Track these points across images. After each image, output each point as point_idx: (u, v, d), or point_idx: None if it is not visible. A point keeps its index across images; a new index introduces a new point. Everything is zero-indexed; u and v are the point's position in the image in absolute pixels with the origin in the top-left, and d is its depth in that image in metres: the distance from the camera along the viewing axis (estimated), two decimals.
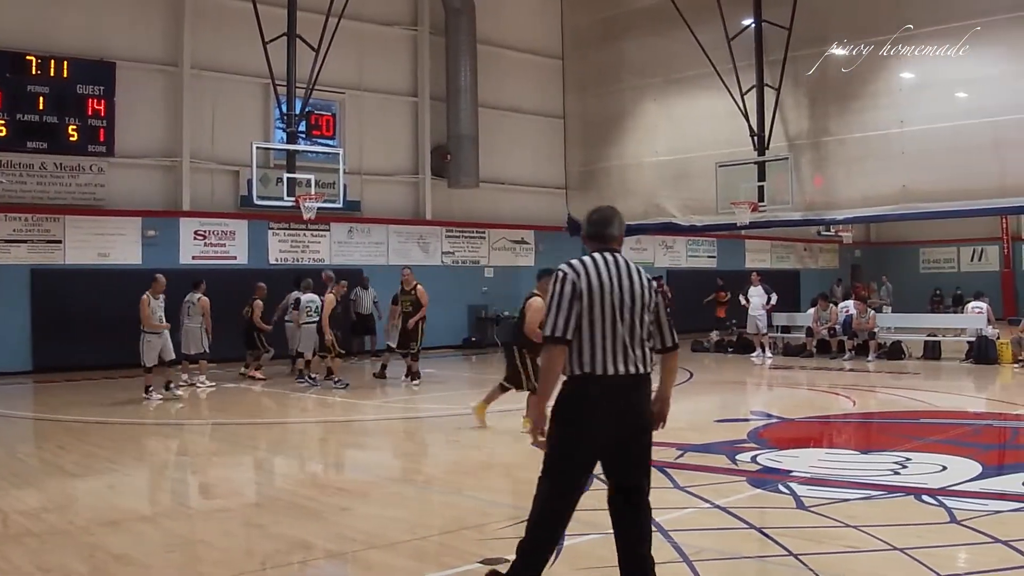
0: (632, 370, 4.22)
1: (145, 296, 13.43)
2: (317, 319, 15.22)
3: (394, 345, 15.60)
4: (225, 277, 18.13)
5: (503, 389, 10.34)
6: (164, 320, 13.50)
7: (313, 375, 15.20)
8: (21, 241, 17.47)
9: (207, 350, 14.66)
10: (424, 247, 22.97)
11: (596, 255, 4.35)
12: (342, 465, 9.29)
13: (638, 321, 4.27)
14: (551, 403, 4.32)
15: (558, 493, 4.33)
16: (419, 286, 14.90)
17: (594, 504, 6.62)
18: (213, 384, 14.93)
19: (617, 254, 4.38)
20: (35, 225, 17.63)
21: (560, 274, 4.26)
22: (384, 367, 16.01)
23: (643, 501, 4.38)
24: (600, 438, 4.23)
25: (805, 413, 11.91)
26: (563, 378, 4.33)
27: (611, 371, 4.18)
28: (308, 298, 15.62)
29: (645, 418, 4.33)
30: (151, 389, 13.24)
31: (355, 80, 21.91)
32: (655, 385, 4.49)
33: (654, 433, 4.44)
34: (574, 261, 4.29)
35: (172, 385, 13.66)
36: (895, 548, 5.35)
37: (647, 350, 4.32)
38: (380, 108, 22.50)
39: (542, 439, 4.30)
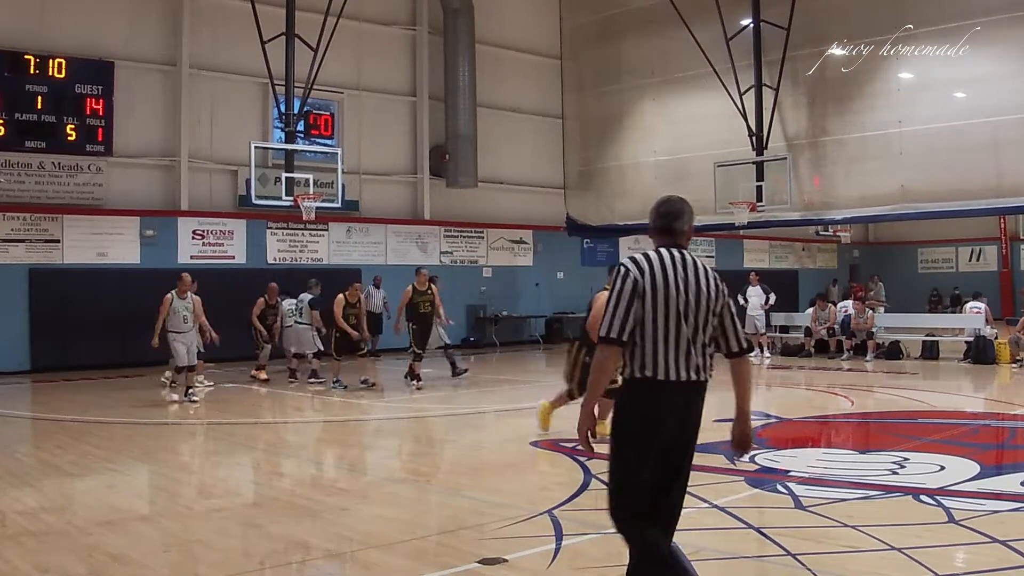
0: (693, 376, 3.87)
1: (168, 295, 13.12)
2: (304, 321, 15.44)
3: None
4: (223, 277, 18.14)
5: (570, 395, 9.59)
6: (188, 321, 13.10)
7: (326, 377, 15.18)
8: (19, 240, 17.47)
9: (202, 349, 14.62)
10: (422, 247, 22.97)
11: (663, 251, 3.99)
12: (340, 465, 9.27)
13: (702, 325, 3.92)
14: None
15: (638, 509, 3.89)
16: (433, 286, 14.87)
17: (592, 504, 6.64)
18: (211, 384, 14.92)
19: (684, 251, 4.03)
20: (33, 224, 17.62)
21: (622, 270, 3.91)
22: (455, 364, 16.01)
23: (673, 526, 4.06)
24: (659, 445, 3.88)
25: (803, 413, 11.92)
26: (619, 379, 4.03)
27: (672, 376, 3.83)
28: (300, 297, 15.67)
29: (697, 431, 3.97)
30: (190, 390, 13.17)
31: (354, 80, 21.92)
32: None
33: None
34: (638, 256, 3.94)
35: (190, 390, 13.25)
36: (893, 548, 5.34)
37: (708, 356, 3.96)
38: (379, 108, 22.51)
39: (594, 440, 3.96)
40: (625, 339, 3.82)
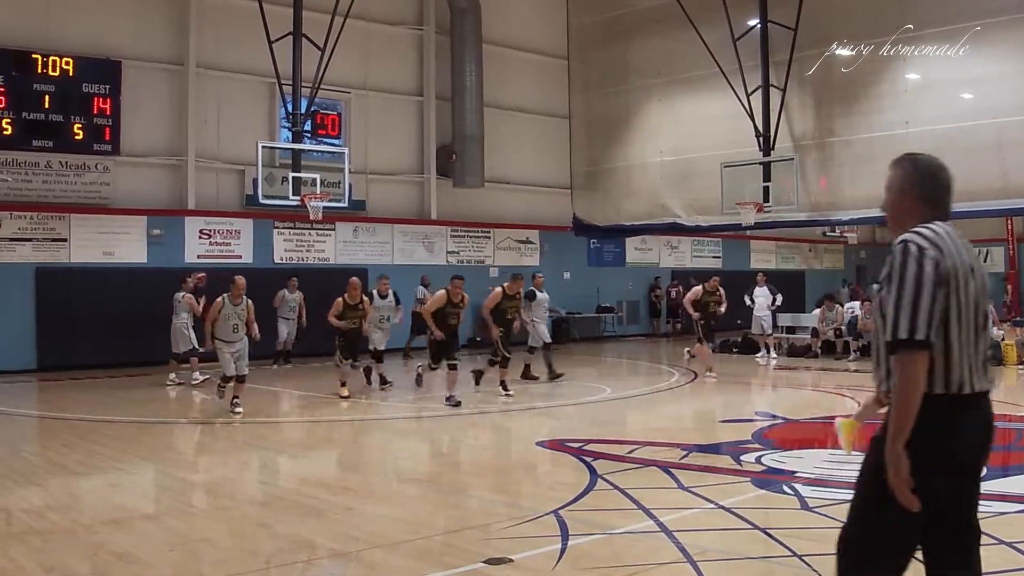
0: (990, 386, 3.07)
1: (219, 299, 11.99)
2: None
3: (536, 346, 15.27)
4: (229, 276, 18.14)
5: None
6: (239, 329, 11.83)
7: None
8: (26, 239, 17.49)
9: (196, 347, 14.57)
10: (429, 247, 22.99)
11: (945, 225, 3.13)
12: (346, 464, 9.28)
13: (985, 319, 3.10)
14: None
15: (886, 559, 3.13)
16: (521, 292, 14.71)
17: (595, 504, 6.64)
18: (206, 377, 14.83)
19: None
20: (40, 223, 17.65)
21: (914, 249, 2.98)
22: (551, 365, 15.84)
23: (977, 542, 3.16)
24: (956, 482, 3.03)
25: (810, 414, 11.88)
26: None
27: (977, 387, 3.00)
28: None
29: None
30: (236, 400, 11.84)
31: (360, 79, 21.93)
32: None
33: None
34: (925, 231, 3.05)
35: (236, 401, 11.85)
36: None
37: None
38: (385, 108, 22.52)
39: (908, 494, 2.91)
40: (935, 339, 2.91)
